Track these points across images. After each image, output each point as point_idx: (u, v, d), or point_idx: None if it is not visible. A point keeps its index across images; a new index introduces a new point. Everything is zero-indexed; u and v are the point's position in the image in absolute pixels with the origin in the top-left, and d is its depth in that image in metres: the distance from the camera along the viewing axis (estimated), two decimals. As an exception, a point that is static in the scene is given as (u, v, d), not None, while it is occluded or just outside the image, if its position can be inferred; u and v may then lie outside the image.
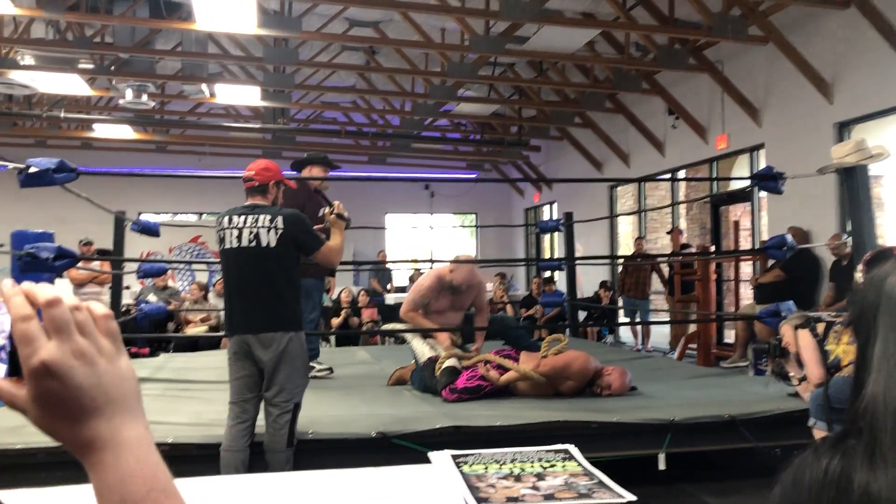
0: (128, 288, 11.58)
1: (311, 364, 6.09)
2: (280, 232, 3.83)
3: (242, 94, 11.85)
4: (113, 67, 10.57)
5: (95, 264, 8.17)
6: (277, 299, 3.87)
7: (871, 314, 0.96)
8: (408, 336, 5.67)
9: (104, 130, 13.97)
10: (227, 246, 3.91)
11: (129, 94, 10.71)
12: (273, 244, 3.83)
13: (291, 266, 3.96)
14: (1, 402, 0.64)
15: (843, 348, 3.99)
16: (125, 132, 14.00)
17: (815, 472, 0.92)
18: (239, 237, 3.86)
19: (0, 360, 0.65)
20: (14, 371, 0.62)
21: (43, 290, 0.62)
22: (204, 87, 11.21)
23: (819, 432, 4.02)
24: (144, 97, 10.86)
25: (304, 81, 12.31)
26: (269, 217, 3.85)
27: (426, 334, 5.54)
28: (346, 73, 12.44)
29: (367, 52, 11.65)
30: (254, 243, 3.83)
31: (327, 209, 4.14)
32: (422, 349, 5.41)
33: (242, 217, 3.89)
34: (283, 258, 3.88)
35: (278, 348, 3.78)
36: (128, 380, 0.65)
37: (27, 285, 0.63)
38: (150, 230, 6.67)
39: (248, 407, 3.87)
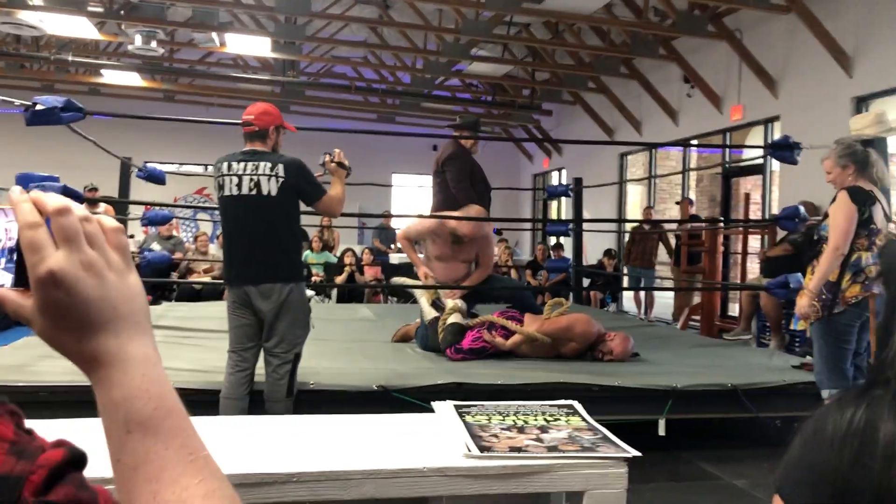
0: (132, 237, 11.59)
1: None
2: (281, 180, 3.72)
3: (253, 45, 11.71)
4: (122, 12, 10.43)
5: (100, 209, 8.14)
6: (278, 249, 3.79)
7: (907, 264, 0.91)
8: (416, 293, 5.66)
9: (112, 76, 13.84)
10: (227, 193, 3.80)
11: (138, 40, 10.58)
12: (274, 193, 3.72)
13: (293, 215, 3.86)
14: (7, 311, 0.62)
15: (867, 255, 3.88)
16: (133, 79, 13.87)
17: (838, 422, 0.88)
18: (239, 185, 3.75)
19: (5, 268, 0.62)
20: (20, 281, 0.60)
21: (52, 199, 0.59)
22: (214, 35, 11.06)
23: None
24: (153, 44, 10.73)
25: (315, 34, 12.15)
26: (269, 164, 3.74)
27: (434, 293, 5.52)
28: (358, 27, 12.27)
29: (380, 6, 11.48)
30: (254, 191, 3.73)
31: (328, 157, 4.01)
32: (428, 308, 5.39)
33: (242, 164, 3.78)
34: (285, 207, 3.78)
35: (279, 299, 3.74)
36: (137, 295, 0.63)
37: (36, 193, 0.60)
38: (157, 177, 6.61)
39: (247, 356, 3.84)
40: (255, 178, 3.73)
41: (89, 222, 0.60)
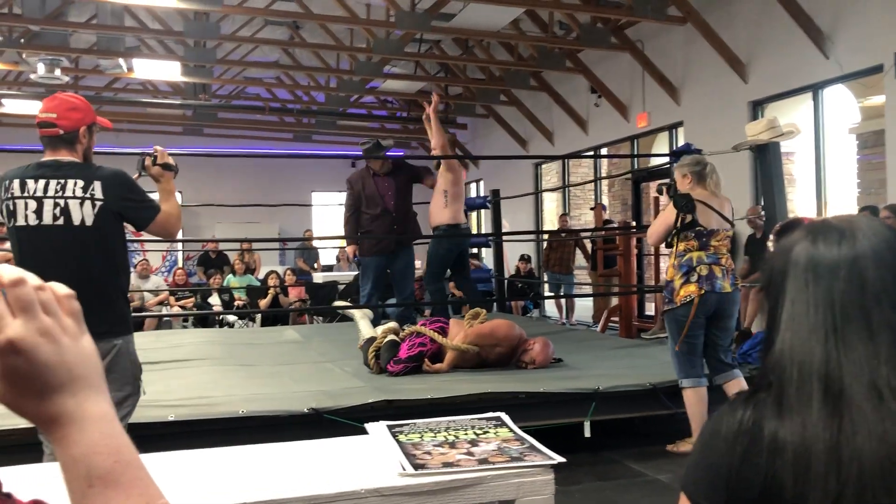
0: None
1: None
2: (99, 204, 2.81)
3: (162, 69, 11.53)
4: (22, 40, 10.12)
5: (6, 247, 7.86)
6: (98, 297, 2.78)
7: (780, 279, 1.05)
8: (355, 315, 5.74)
9: (14, 106, 13.37)
10: (21, 223, 2.81)
11: (41, 69, 10.29)
12: (90, 221, 2.81)
13: (116, 247, 2.94)
14: None
15: (698, 255, 4.24)
16: (36, 108, 13.40)
17: (730, 423, 1.01)
18: (38, 211, 2.79)
19: None
20: None
21: (7, 271, 0.63)
22: (121, 61, 10.84)
23: (689, 391, 4.26)
24: (58, 72, 10.46)
25: (226, 56, 12.05)
26: (81, 182, 2.80)
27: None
28: (270, 49, 12.22)
29: (290, 26, 11.47)
30: (61, 220, 2.79)
31: (148, 159, 3.09)
32: (365, 329, 5.48)
33: (42, 182, 2.80)
34: (106, 239, 2.87)
35: (104, 360, 2.87)
36: (91, 357, 0.67)
37: None
38: None
39: None
40: (61, 201, 2.79)
41: (43, 291, 0.64)
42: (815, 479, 0.90)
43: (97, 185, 2.81)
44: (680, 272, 4.28)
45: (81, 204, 2.79)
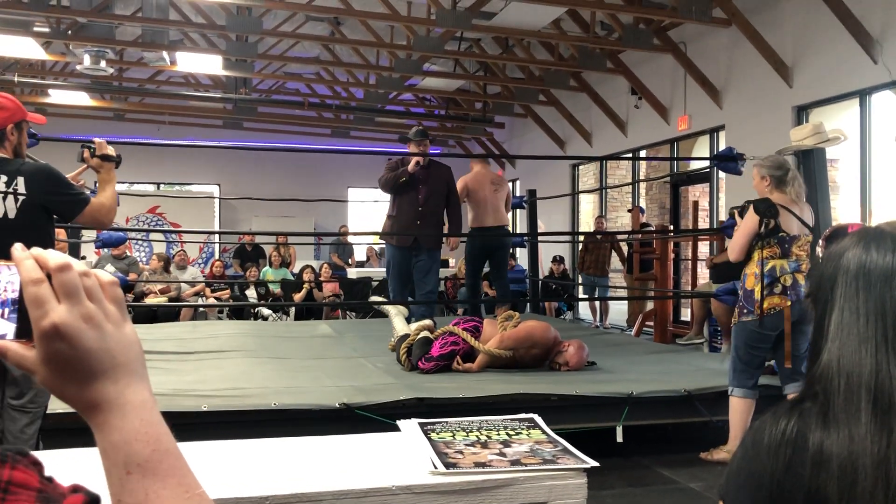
0: (84, 258, 11.40)
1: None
2: (22, 199, 2.95)
3: (204, 63, 11.65)
4: (70, 32, 10.31)
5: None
6: None
7: (829, 286, 1.01)
8: (389, 311, 5.76)
9: (60, 97, 13.63)
10: None
11: (86, 60, 10.48)
12: (12, 215, 2.93)
13: (42, 239, 2.95)
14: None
15: (781, 264, 4.12)
16: (82, 99, 13.68)
17: (773, 432, 0.98)
18: None
19: (7, 318, 0.66)
20: (23, 333, 0.64)
21: (53, 256, 0.63)
22: (165, 54, 10.99)
23: (736, 400, 4.19)
24: (103, 63, 10.63)
25: (267, 51, 12.15)
26: (4, 178, 2.95)
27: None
28: (310, 44, 12.30)
29: (331, 22, 11.52)
30: None
31: (86, 150, 3.26)
32: (399, 325, 5.50)
33: None
34: (32, 232, 2.94)
35: None
36: (133, 344, 0.67)
37: (37, 250, 0.64)
38: (114, 241, 6.34)
39: None
40: None
41: (88, 277, 0.65)
42: (862, 494, 0.87)
43: (20, 181, 2.95)
44: (762, 282, 4.12)
45: (4, 198, 2.92)
